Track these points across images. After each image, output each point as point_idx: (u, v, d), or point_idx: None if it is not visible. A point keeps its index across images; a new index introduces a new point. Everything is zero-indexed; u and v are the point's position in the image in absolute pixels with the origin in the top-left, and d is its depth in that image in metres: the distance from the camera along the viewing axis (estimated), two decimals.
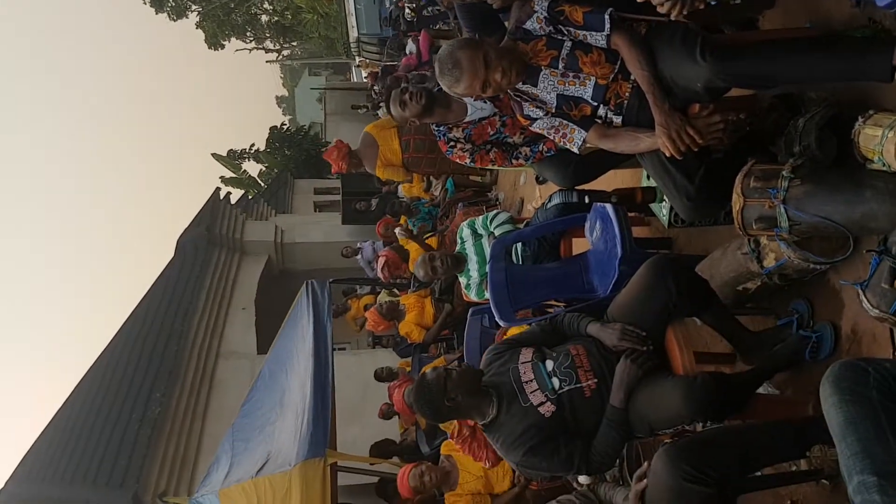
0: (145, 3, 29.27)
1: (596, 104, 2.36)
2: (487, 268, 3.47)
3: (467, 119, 2.95)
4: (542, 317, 2.96)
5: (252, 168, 23.70)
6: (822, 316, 2.46)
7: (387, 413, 6.37)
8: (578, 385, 2.24)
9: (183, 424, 8.31)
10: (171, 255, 11.75)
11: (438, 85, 2.43)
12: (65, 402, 9.10)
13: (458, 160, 3.02)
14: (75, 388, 9.29)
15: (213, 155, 23.16)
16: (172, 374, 8.76)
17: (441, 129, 3.01)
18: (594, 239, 3.15)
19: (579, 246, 3.46)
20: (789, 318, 2.54)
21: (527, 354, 2.39)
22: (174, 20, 29.96)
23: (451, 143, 2.99)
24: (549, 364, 2.31)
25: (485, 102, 2.92)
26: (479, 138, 2.94)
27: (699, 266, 2.68)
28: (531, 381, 2.31)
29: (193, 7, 29.91)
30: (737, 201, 2.17)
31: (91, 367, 9.67)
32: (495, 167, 2.99)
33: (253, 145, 23.33)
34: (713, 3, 1.90)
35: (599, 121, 2.40)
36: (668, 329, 2.32)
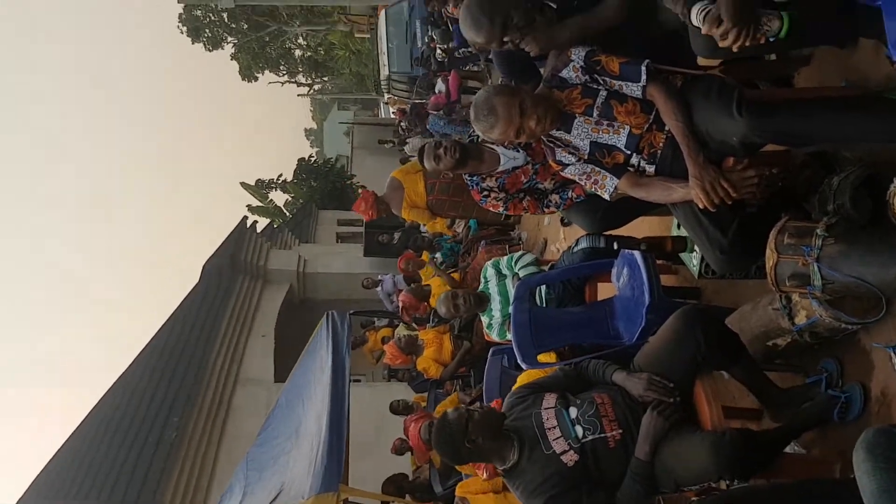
0: (182, 33, 30.07)
1: (629, 153, 2.38)
2: (511, 308, 3.47)
3: (500, 169, 2.99)
4: (566, 361, 2.95)
5: (278, 198, 24.05)
6: (851, 376, 2.42)
7: (400, 448, 6.31)
8: (603, 435, 2.22)
9: (198, 450, 8.32)
10: (197, 280, 11.89)
11: (468, 124, 2.48)
12: (83, 421, 9.17)
13: (491, 209, 3.04)
14: (94, 406, 9.37)
15: (242, 184, 23.55)
16: (190, 399, 8.80)
17: (474, 178, 3.05)
18: (621, 285, 3.14)
19: (605, 291, 3.45)
20: (818, 377, 2.50)
21: (550, 400, 2.37)
22: (210, 51, 30.71)
23: (485, 193, 3.01)
24: (573, 411, 2.30)
25: (517, 151, 2.96)
26: (513, 187, 2.97)
27: (729, 319, 2.65)
28: (554, 427, 2.29)
29: (229, 39, 30.64)
30: (770, 257, 2.16)
31: (111, 387, 9.76)
32: (527, 213, 3.01)
33: (280, 175, 23.73)
34: (772, 39, 1.90)
35: (632, 169, 2.41)
36: (696, 381, 2.29)
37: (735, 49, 1.91)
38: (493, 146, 3.00)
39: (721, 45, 1.93)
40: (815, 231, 2.10)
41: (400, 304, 6.74)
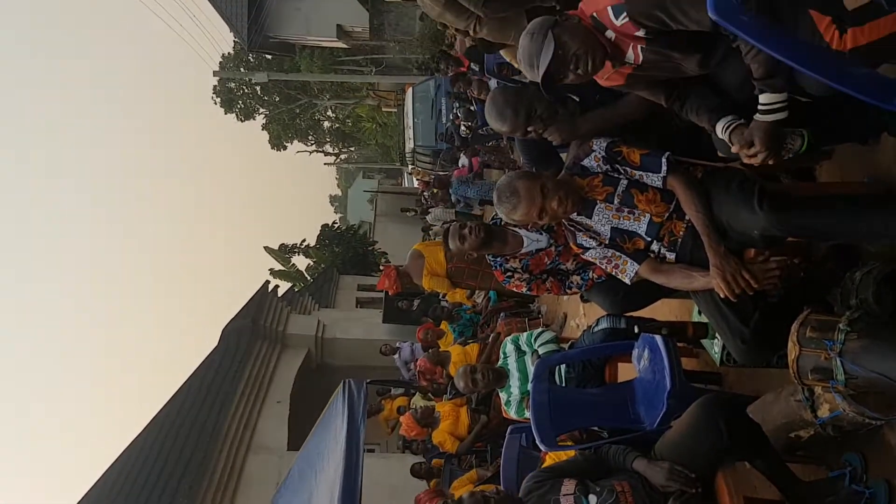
0: (216, 104, 31.16)
1: (650, 239, 2.42)
2: (530, 387, 3.46)
3: (523, 251, 3.04)
4: (585, 445, 2.92)
5: (300, 262, 24.29)
6: (875, 471, 2.38)
7: None
8: None
9: None
10: (216, 342, 11.93)
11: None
12: (94, 485, 9.08)
13: (514, 289, 3.09)
14: (106, 471, 9.28)
15: (266, 248, 23.87)
16: (202, 466, 8.68)
17: (498, 259, 3.10)
18: (641, 368, 3.14)
19: (625, 372, 3.44)
20: (842, 471, 2.45)
21: (569, 486, 2.34)
22: (242, 121, 31.71)
23: (509, 273, 3.06)
24: (593, 499, 2.27)
25: (540, 234, 3.02)
26: (537, 268, 3.02)
27: (750, 408, 2.63)
28: None
29: (261, 110, 31.68)
30: (792, 349, 2.16)
31: (123, 451, 9.69)
32: (550, 294, 3.05)
33: (304, 241, 24.01)
34: (790, 156, 2.01)
35: (652, 255, 2.45)
36: (717, 472, 2.26)
37: (757, 164, 2.01)
38: (517, 229, 3.07)
39: (746, 161, 2.02)
40: (837, 325, 2.10)
41: (417, 370, 6.73)
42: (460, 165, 11.10)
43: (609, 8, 1.93)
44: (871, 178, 2.42)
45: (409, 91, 16.10)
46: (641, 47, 1.98)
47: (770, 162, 1.99)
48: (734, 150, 2.05)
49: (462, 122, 11.03)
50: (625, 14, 1.90)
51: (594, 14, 2.00)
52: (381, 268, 6.22)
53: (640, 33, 1.92)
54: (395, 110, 24.03)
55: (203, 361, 11.49)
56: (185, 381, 11.04)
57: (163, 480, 8.50)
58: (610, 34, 2.00)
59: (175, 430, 9.61)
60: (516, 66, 4.12)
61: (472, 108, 10.12)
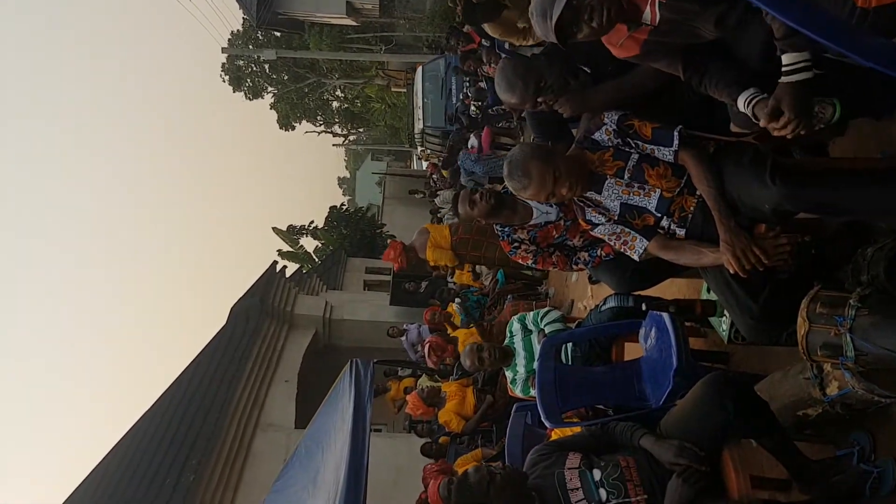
0: (224, 82, 31.08)
1: (660, 215, 2.39)
2: (536, 365, 3.45)
3: (533, 222, 3.02)
4: (591, 421, 2.91)
5: (308, 244, 24.35)
6: (884, 450, 2.36)
7: None
8: (627, 500, 2.18)
9: (215, 494, 8.24)
10: (224, 322, 11.99)
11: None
12: (101, 461, 9.18)
13: (520, 261, 3.06)
14: (115, 446, 9.38)
15: (274, 229, 23.91)
16: (210, 442, 8.76)
17: (506, 229, 3.08)
18: (648, 346, 3.12)
19: (631, 352, 3.42)
20: (850, 450, 2.44)
21: (574, 460, 2.34)
22: (250, 99, 31.65)
23: (516, 244, 3.04)
24: (597, 473, 2.26)
25: (550, 206, 2.99)
26: (544, 241, 2.99)
27: (758, 386, 2.61)
28: (577, 489, 2.25)
29: (269, 89, 31.60)
30: (802, 325, 2.13)
31: (132, 427, 9.78)
32: (556, 269, 3.03)
33: (312, 222, 24.05)
34: (822, 127, 1.94)
35: (662, 231, 2.42)
36: (724, 450, 2.25)
37: (789, 136, 1.94)
38: (527, 199, 3.04)
39: (775, 134, 1.95)
40: (848, 301, 2.07)
41: (427, 347, 6.74)
42: (469, 147, 11.04)
43: None
44: (886, 154, 2.38)
45: (419, 70, 15.97)
46: (660, 1, 1.93)
47: (802, 132, 1.91)
48: (762, 123, 1.98)
49: (472, 102, 10.96)
50: None
51: None
52: (389, 241, 6.24)
53: None
54: (405, 90, 23.91)
55: (211, 340, 11.57)
56: (194, 359, 11.11)
57: (171, 456, 8.59)
58: None
59: (184, 407, 9.69)
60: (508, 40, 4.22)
61: (482, 85, 10.04)
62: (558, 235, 2.99)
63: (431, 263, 6.28)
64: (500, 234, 3.13)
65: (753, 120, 2.03)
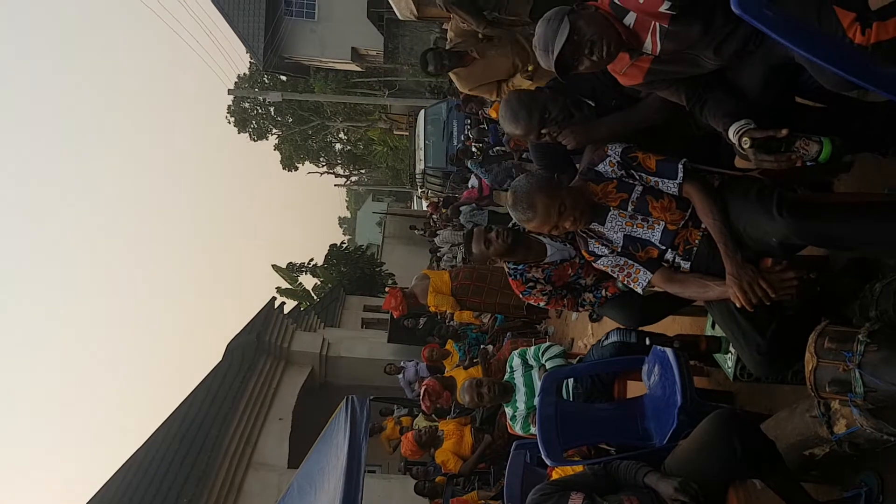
0: (229, 123, 31.47)
1: (664, 248, 2.37)
2: (536, 401, 3.39)
3: (547, 260, 2.99)
4: (594, 460, 2.85)
5: (307, 281, 24.34)
6: (892, 492, 2.30)
7: None
8: None
9: None
10: (220, 357, 11.90)
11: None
12: (93, 497, 9.03)
13: (532, 301, 3.02)
14: (106, 482, 9.24)
15: (273, 266, 23.93)
16: (202, 480, 8.61)
17: (519, 268, 3.03)
18: (651, 383, 3.07)
19: (634, 389, 3.37)
20: (857, 491, 2.38)
21: (576, 500, 2.27)
22: (255, 140, 32.00)
23: (530, 284, 2.99)
24: None
25: (564, 244, 2.97)
26: (560, 280, 2.95)
27: (764, 425, 2.56)
28: None
29: (274, 131, 31.99)
30: (809, 361, 2.10)
31: (123, 464, 9.64)
32: (566, 311, 3.00)
33: (311, 260, 24.08)
34: (810, 163, 1.95)
35: (666, 264, 2.40)
36: (729, 489, 2.19)
37: (776, 169, 1.97)
38: (541, 236, 3.02)
39: (758, 165, 1.99)
40: (857, 336, 2.04)
41: (422, 389, 6.67)
42: (470, 187, 11.10)
43: None
44: (892, 190, 2.38)
45: (421, 112, 16.24)
46: (661, 28, 1.95)
47: (784, 167, 1.94)
48: (750, 157, 2.01)
49: (473, 143, 11.06)
50: None
51: None
52: (387, 290, 6.28)
53: (665, 7, 1.88)
54: (407, 134, 24.21)
55: (206, 376, 11.47)
56: (188, 396, 11.02)
57: (161, 494, 8.44)
58: (630, 19, 1.97)
59: (176, 444, 9.55)
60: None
61: (483, 126, 10.14)
62: (573, 273, 2.96)
63: (432, 309, 6.27)
64: (511, 273, 3.08)
65: (740, 150, 2.04)
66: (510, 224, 3.22)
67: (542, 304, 2.99)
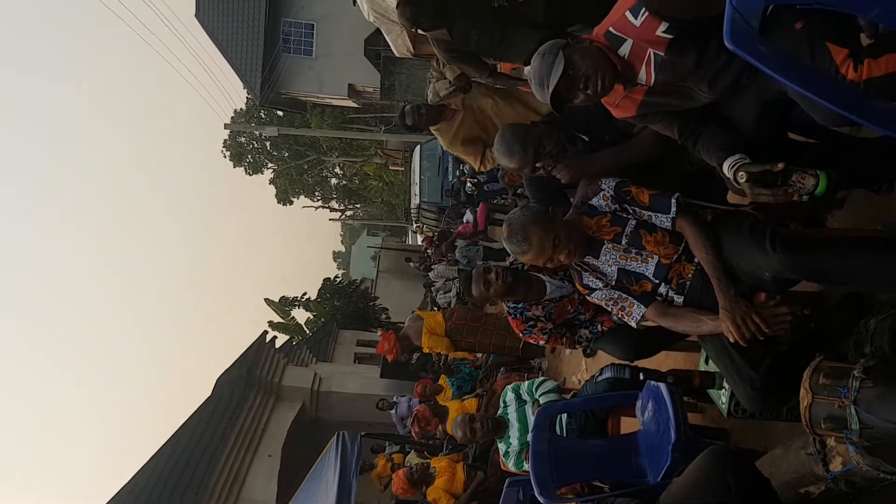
0: (225, 157, 31.62)
1: (657, 282, 2.38)
2: (530, 437, 3.35)
3: (547, 297, 2.99)
4: (587, 497, 2.80)
5: (300, 315, 24.20)
6: None
7: None
8: None
9: None
10: (209, 392, 11.77)
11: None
12: None
13: (532, 341, 3.01)
14: None
15: (266, 300, 23.81)
16: None
17: (519, 307, 3.03)
18: (645, 419, 3.04)
19: (628, 425, 3.33)
20: None
21: None
22: (250, 175, 32.13)
23: (531, 323, 2.99)
24: None
25: (563, 282, 2.97)
26: (560, 317, 2.95)
27: (758, 462, 2.53)
28: None
29: (269, 165, 32.14)
30: (805, 397, 2.08)
31: (111, 499, 9.47)
32: (564, 349, 2.99)
33: (305, 294, 23.97)
34: (805, 197, 1.95)
35: (660, 298, 2.40)
36: None
37: (771, 202, 1.98)
38: (540, 274, 3.02)
39: (754, 199, 2.00)
40: (852, 372, 2.03)
41: (412, 415, 6.62)
42: (465, 221, 11.15)
43: (627, 12, 1.93)
44: (886, 226, 2.39)
45: (417, 148, 16.38)
46: (656, 56, 1.97)
47: (780, 201, 1.95)
48: (746, 191, 2.02)
49: (468, 179, 11.15)
50: (644, 10, 1.89)
51: (610, 28, 2.00)
52: (380, 333, 6.31)
53: (662, 30, 1.90)
54: (402, 169, 24.35)
55: (195, 411, 11.34)
56: (176, 431, 10.86)
57: None
58: (625, 48, 1.99)
59: (163, 480, 9.40)
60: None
61: None
62: (573, 310, 2.95)
63: (426, 350, 6.24)
64: (511, 312, 3.07)
65: (735, 185, 2.05)
66: (509, 261, 3.21)
67: (541, 342, 2.98)
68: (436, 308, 11.31)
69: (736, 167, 2.01)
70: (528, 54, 3.54)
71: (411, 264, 17.49)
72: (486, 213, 10.87)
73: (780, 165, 1.91)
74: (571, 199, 2.66)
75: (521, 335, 3.08)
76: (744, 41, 1.56)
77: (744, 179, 1.96)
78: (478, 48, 3.55)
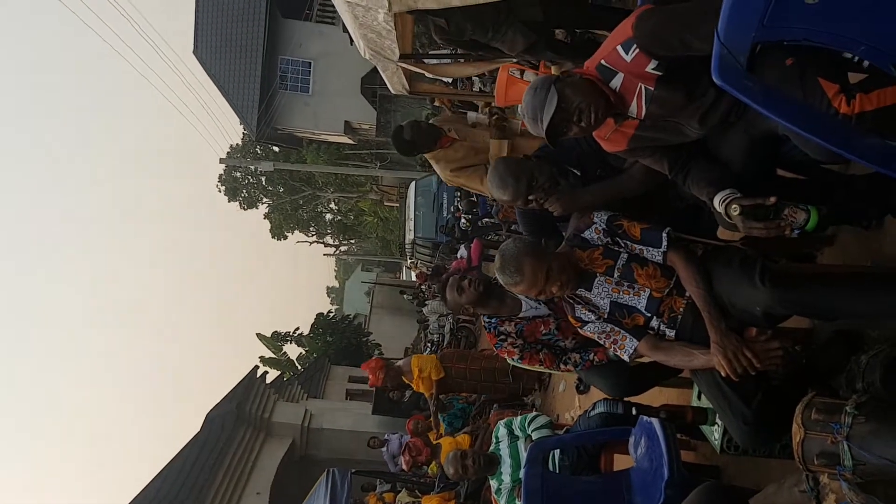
0: (220, 192, 31.69)
1: (649, 315, 2.38)
2: (522, 473, 3.30)
3: (521, 315, 2.99)
4: None
5: (292, 351, 24.02)
6: None
7: None
8: None
9: None
10: (199, 427, 11.60)
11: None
12: None
13: (505, 355, 3.01)
14: None
15: (258, 335, 23.65)
16: None
17: (493, 321, 3.05)
18: (638, 456, 3.01)
19: (621, 461, 3.29)
20: None
21: None
22: (245, 209, 32.16)
23: (502, 337, 3.00)
24: None
25: (538, 304, 2.97)
26: (531, 336, 2.95)
27: (751, 500, 2.50)
28: None
29: (264, 200, 32.20)
30: (797, 432, 2.07)
31: None
32: (542, 368, 2.97)
33: (297, 329, 23.83)
34: (797, 232, 1.97)
35: (652, 332, 2.40)
36: None
37: (763, 236, 2.00)
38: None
39: (747, 233, 2.01)
40: (844, 408, 2.02)
41: (405, 446, 6.56)
42: (459, 257, 11.16)
43: (619, 46, 1.96)
44: (875, 263, 2.40)
45: (412, 184, 16.47)
46: (647, 91, 2.00)
47: (772, 235, 1.97)
48: (741, 229, 2.02)
49: (462, 215, 11.20)
50: (634, 47, 1.92)
51: (602, 61, 2.03)
52: (375, 351, 6.35)
53: (652, 66, 1.94)
54: (397, 205, 24.46)
55: (184, 447, 11.16)
56: (165, 467, 10.67)
57: None
58: (616, 81, 2.01)
59: None
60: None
61: (473, 198, 10.28)
62: (546, 332, 2.95)
63: (415, 376, 6.24)
64: (486, 325, 3.10)
65: (726, 220, 2.07)
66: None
67: (515, 357, 2.97)
68: (430, 346, 11.32)
69: (728, 201, 2.03)
70: (516, 45, 3.67)
71: (405, 296, 17.47)
72: (481, 250, 10.89)
73: (773, 199, 1.93)
74: (563, 234, 2.68)
75: (494, 348, 3.09)
76: (732, 77, 1.59)
77: (736, 212, 1.98)
78: (473, 36, 3.68)
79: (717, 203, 2.08)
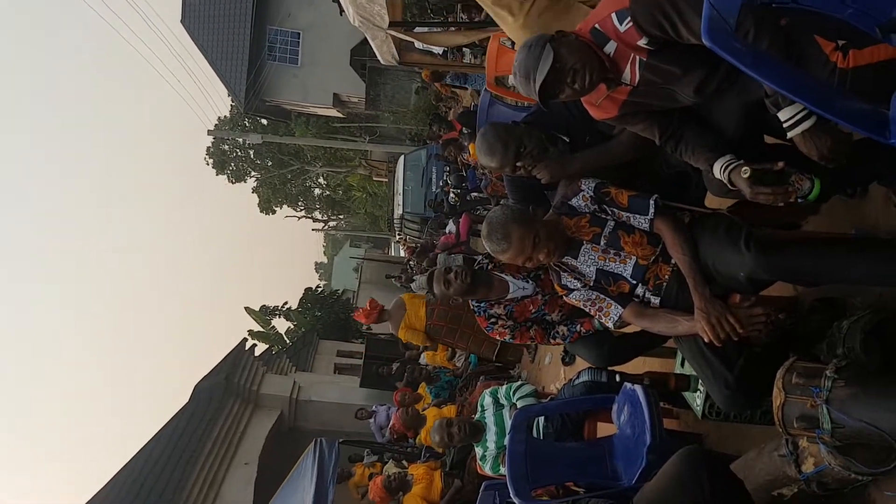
0: (208, 165, 31.42)
1: (635, 283, 2.39)
2: (507, 439, 3.34)
3: (509, 297, 3.00)
4: (562, 499, 2.79)
5: (281, 325, 24.05)
6: None
7: None
8: None
9: None
10: (187, 399, 11.62)
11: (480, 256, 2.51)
12: None
13: (497, 336, 3.03)
14: None
15: (246, 309, 23.63)
16: None
17: (481, 305, 3.05)
18: (621, 423, 3.04)
19: (604, 429, 3.34)
20: None
21: None
22: (233, 183, 31.93)
23: (493, 320, 3.01)
24: None
25: (526, 282, 2.99)
26: (521, 316, 2.97)
27: (732, 465, 2.54)
28: None
29: (253, 174, 31.98)
30: (777, 396, 2.10)
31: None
32: (534, 344, 2.99)
33: (286, 303, 23.82)
34: (800, 199, 1.95)
35: (637, 299, 2.42)
36: None
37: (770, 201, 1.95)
38: (503, 274, 3.04)
39: (754, 200, 1.96)
40: (824, 372, 2.05)
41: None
42: (447, 232, 11.15)
43: (613, 14, 1.91)
44: (859, 230, 2.42)
45: (401, 159, 16.40)
46: (641, 60, 1.97)
47: (780, 203, 1.93)
48: (746, 193, 1.98)
49: (451, 190, 11.16)
50: (629, 19, 1.87)
51: (596, 25, 1.98)
52: (368, 304, 6.27)
53: (643, 42, 1.90)
54: (386, 180, 24.37)
55: (172, 417, 11.18)
56: (152, 438, 10.69)
57: None
58: (610, 48, 1.97)
59: (138, 486, 9.25)
60: None
61: (462, 173, 10.25)
62: (535, 310, 2.96)
63: (404, 341, 6.24)
64: (475, 309, 3.10)
65: (729, 187, 2.05)
66: (476, 262, 3.23)
67: (507, 337, 2.99)
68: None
69: (733, 166, 2.00)
70: None
71: (393, 281, 17.49)
72: (469, 224, 10.88)
73: (781, 164, 1.91)
74: (551, 201, 2.68)
75: (486, 331, 3.10)
76: (721, 38, 1.58)
77: (746, 175, 1.94)
78: None
79: (718, 168, 2.04)
